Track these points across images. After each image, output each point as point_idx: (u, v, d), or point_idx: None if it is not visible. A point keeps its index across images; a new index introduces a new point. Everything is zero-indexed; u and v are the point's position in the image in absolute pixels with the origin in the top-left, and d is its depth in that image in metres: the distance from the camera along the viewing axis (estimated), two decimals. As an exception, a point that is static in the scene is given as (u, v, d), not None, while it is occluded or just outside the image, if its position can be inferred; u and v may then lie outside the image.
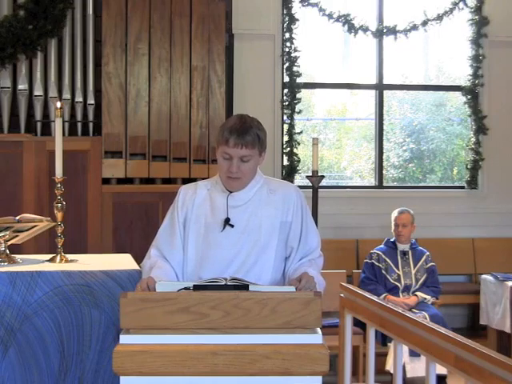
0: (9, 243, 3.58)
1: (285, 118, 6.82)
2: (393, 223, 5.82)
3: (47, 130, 5.88)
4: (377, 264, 5.71)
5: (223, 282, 2.48)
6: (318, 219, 5.46)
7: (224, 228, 2.79)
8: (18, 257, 3.58)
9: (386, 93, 7.22)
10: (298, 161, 6.77)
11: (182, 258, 2.85)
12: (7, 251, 3.53)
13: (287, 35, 6.76)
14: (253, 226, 2.80)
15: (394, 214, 5.85)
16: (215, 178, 2.92)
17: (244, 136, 2.73)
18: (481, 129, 7.05)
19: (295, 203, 2.86)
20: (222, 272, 2.71)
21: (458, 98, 7.41)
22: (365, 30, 6.90)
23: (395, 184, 7.34)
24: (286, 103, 6.77)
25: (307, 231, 2.88)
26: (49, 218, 3.72)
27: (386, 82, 7.14)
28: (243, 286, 2.43)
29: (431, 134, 7.51)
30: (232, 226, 2.79)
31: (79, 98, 5.90)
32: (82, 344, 3.30)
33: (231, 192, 2.83)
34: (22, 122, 5.86)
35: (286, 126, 6.81)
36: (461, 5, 7.02)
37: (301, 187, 7.14)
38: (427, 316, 5.27)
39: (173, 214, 2.89)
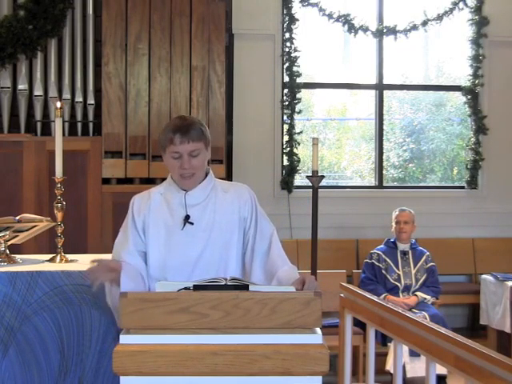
0: (9, 243, 3.58)
1: (285, 118, 6.81)
2: (394, 221, 5.83)
3: (47, 130, 5.88)
4: (377, 264, 5.71)
5: (223, 282, 2.48)
6: (318, 219, 5.46)
7: (184, 225, 2.81)
8: (18, 257, 3.58)
9: (386, 93, 7.22)
10: (298, 161, 6.77)
11: (141, 263, 2.84)
12: (7, 251, 3.53)
13: (287, 35, 6.76)
14: (213, 223, 2.83)
15: (395, 212, 5.87)
16: (167, 181, 2.95)
17: (188, 131, 2.78)
18: (481, 129, 7.05)
19: (250, 201, 2.91)
20: (190, 273, 2.74)
21: (458, 98, 7.41)
22: (365, 30, 6.90)
23: (395, 184, 7.34)
24: (286, 103, 6.77)
25: (262, 223, 2.91)
26: (49, 218, 3.72)
27: (386, 82, 7.14)
28: (243, 286, 2.43)
29: (431, 134, 7.50)
30: (192, 223, 2.81)
31: (79, 98, 5.90)
32: (82, 344, 3.30)
33: (187, 191, 2.85)
34: (22, 122, 5.86)
35: (286, 126, 6.81)
36: (461, 5, 7.02)
37: (301, 187, 7.17)
38: (427, 316, 5.27)
39: (128, 225, 2.89)
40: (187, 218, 2.82)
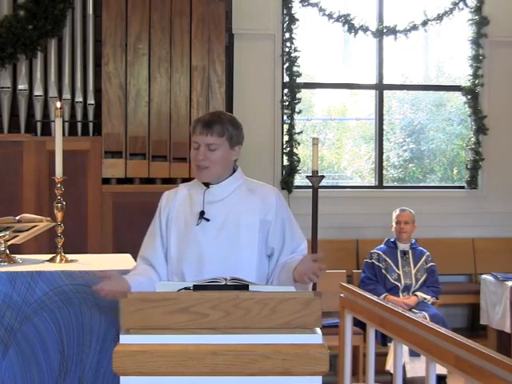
0: (9, 243, 3.58)
1: (285, 118, 6.81)
2: (394, 221, 5.83)
3: (47, 130, 5.88)
4: (377, 264, 5.71)
5: (223, 282, 2.48)
6: (318, 219, 5.46)
7: (199, 221, 2.81)
8: (18, 257, 3.58)
9: (386, 93, 7.22)
10: (298, 161, 6.77)
11: (165, 259, 2.89)
12: (7, 251, 3.53)
13: (287, 35, 6.76)
14: (231, 222, 2.81)
15: (396, 212, 5.88)
16: (196, 179, 2.96)
17: (210, 124, 2.80)
18: (481, 129, 7.05)
19: (275, 204, 2.87)
20: (201, 269, 2.74)
21: (458, 98, 7.41)
22: (365, 30, 6.90)
23: (395, 184, 7.34)
24: (286, 103, 6.77)
25: (292, 232, 2.90)
26: (49, 218, 3.72)
27: (386, 82, 7.14)
28: (243, 286, 2.44)
29: (431, 134, 7.50)
30: (207, 219, 2.81)
31: (79, 98, 5.89)
32: (82, 344, 3.30)
33: (208, 187, 2.85)
34: (22, 122, 5.86)
35: (286, 126, 6.81)
36: (461, 5, 7.02)
37: (301, 187, 7.17)
38: (427, 316, 5.27)
39: (155, 220, 2.94)
40: (202, 213, 2.82)
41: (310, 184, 5.65)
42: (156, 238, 2.90)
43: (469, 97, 7.10)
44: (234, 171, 2.92)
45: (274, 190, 2.95)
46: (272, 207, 2.86)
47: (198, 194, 2.87)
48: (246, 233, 2.81)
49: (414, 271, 5.70)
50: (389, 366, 5.09)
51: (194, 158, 2.85)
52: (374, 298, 3.35)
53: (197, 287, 2.44)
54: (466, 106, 7.16)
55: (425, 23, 6.98)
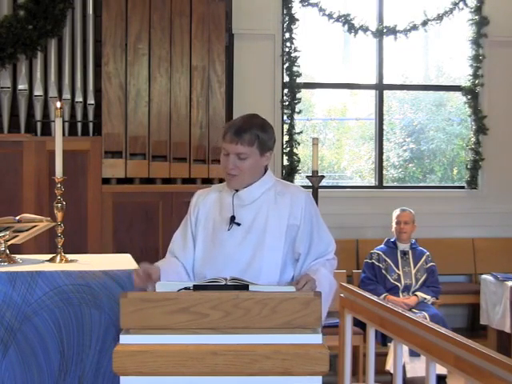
0: (9, 243, 3.58)
1: (285, 118, 6.81)
2: (394, 221, 5.83)
3: (47, 130, 5.88)
4: (377, 264, 5.71)
5: (223, 282, 2.48)
6: (318, 219, 5.45)
7: (231, 226, 2.79)
8: (18, 257, 3.58)
9: (386, 93, 7.22)
10: (298, 161, 6.77)
11: (193, 257, 2.88)
12: (7, 251, 3.53)
13: (287, 35, 6.76)
14: (258, 226, 2.79)
15: (396, 212, 5.88)
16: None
17: (240, 133, 2.73)
18: (481, 129, 7.06)
19: (304, 208, 2.83)
20: (225, 272, 2.70)
21: (458, 98, 7.41)
22: (365, 30, 6.90)
23: (395, 184, 7.34)
24: (286, 103, 6.77)
25: (320, 235, 2.87)
26: (49, 218, 3.72)
27: (386, 82, 7.14)
28: (243, 286, 2.43)
29: (431, 133, 7.51)
30: (238, 224, 2.79)
31: (79, 98, 5.90)
32: (81, 344, 3.30)
33: (237, 191, 2.83)
34: (22, 122, 5.86)
35: (286, 126, 6.81)
36: (461, 5, 7.02)
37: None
38: (427, 316, 5.27)
39: (186, 217, 2.94)
40: (233, 218, 2.80)
41: (310, 184, 5.66)
42: (188, 237, 2.88)
43: (469, 97, 7.10)
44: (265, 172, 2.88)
45: (305, 193, 2.89)
46: (300, 212, 2.82)
47: (228, 198, 2.85)
48: (272, 237, 2.78)
49: (413, 271, 5.70)
50: (389, 366, 5.10)
51: (223, 165, 2.79)
52: (374, 298, 3.35)
53: (197, 287, 2.44)
54: (466, 105, 7.16)
55: (425, 23, 6.98)
